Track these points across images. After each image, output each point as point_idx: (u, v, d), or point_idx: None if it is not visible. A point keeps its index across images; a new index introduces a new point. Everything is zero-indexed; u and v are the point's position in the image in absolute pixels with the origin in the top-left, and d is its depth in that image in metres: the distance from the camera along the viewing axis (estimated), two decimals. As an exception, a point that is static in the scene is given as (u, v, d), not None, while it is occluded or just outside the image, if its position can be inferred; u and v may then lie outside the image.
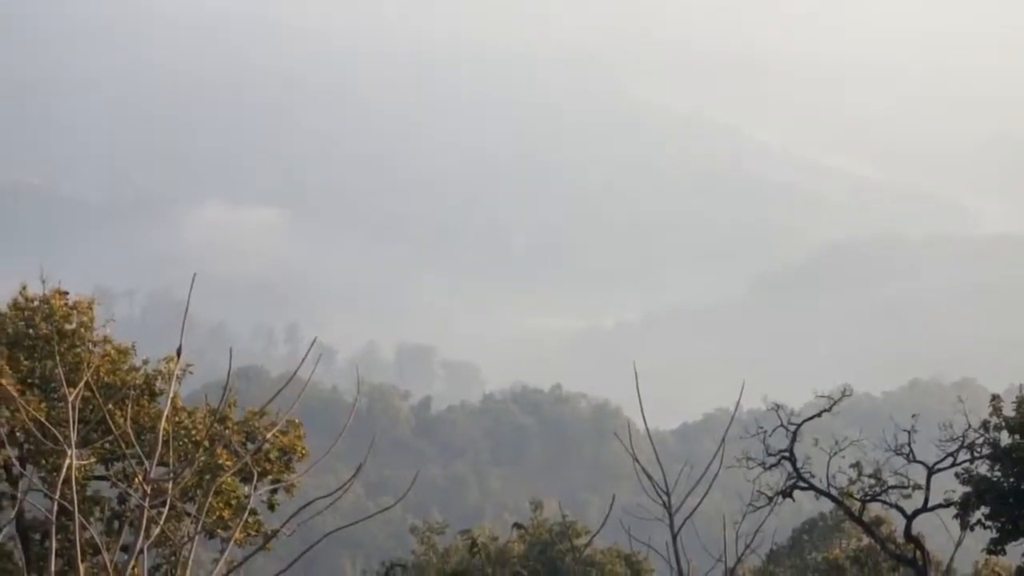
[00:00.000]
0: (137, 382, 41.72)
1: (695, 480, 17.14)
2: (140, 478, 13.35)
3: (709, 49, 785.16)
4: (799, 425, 48.88)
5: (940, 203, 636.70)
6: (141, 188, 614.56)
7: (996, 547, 48.26)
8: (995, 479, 47.63)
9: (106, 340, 42.92)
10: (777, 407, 49.05)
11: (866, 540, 59.20)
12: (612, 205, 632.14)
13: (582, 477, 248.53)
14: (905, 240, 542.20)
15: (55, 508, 13.69)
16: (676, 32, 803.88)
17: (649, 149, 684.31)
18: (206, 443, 39.09)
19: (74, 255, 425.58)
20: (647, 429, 18.33)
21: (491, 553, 59.58)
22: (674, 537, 17.67)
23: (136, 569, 13.25)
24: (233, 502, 41.42)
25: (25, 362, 41.67)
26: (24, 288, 43.22)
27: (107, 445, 36.16)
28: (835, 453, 47.97)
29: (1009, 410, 48.10)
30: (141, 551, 13.17)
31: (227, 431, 40.49)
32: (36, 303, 42.74)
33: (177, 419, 40.69)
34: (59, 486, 13.41)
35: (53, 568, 13.18)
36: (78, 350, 42.12)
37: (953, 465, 48.34)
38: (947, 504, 48.03)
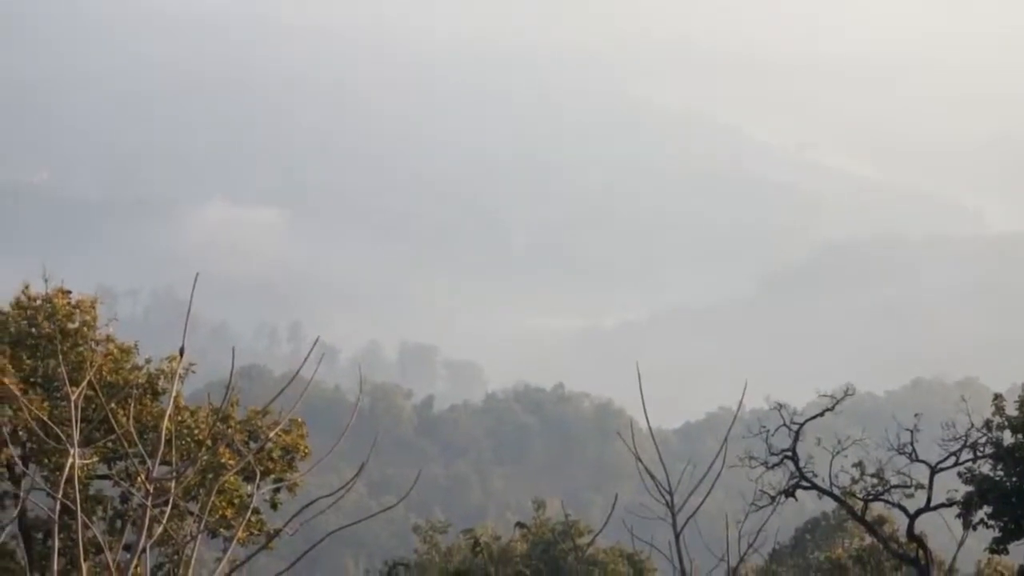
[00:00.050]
0: (140, 381, 41.74)
1: (698, 479, 17.14)
2: (143, 477, 13.35)
3: (709, 49, 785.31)
4: (802, 424, 48.86)
5: (941, 202, 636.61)
6: (144, 188, 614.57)
7: (998, 546, 48.27)
8: (998, 478, 47.62)
9: (109, 339, 42.95)
10: (780, 406, 49.04)
11: (869, 539, 59.20)
12: (613, 204, 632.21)
13: (585, 476, 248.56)
14: (906, 240, 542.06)
15: (58, 507, 13.69)
16: (676, 32, 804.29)
17: (649, 149, 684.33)
18: (209, 442, 39.11)
19: (77, 254, 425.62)
20: (650, 428, 18.32)
21: (493, 552, 59.57)
22: (677, 536, 17.66)
23: (139, 568, 13.24)
24: (236, 501, 41.45)
25: (28, 361, 41.70)
26: (27, 287, 43.26)
27: (110, 444, 36.17)
28: (838, 452, 47.93)
29: (1012, 409, 48.10)
30: (144, 550, 13.17)
31: (230, 430, 40.51)
32: (39, 302, 42.78)
33: (180, 418, 40.70)
34: (62, 485, 13.41)
35: (56, 567, 13.18)
36: (81, 349, 42.15)
37: (956, 464, 48.33)
38: (950, 503, 48.02)
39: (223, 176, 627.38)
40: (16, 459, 40.60)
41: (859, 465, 48.75)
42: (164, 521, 13.31)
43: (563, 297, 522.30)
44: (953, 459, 48.30)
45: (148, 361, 43.06)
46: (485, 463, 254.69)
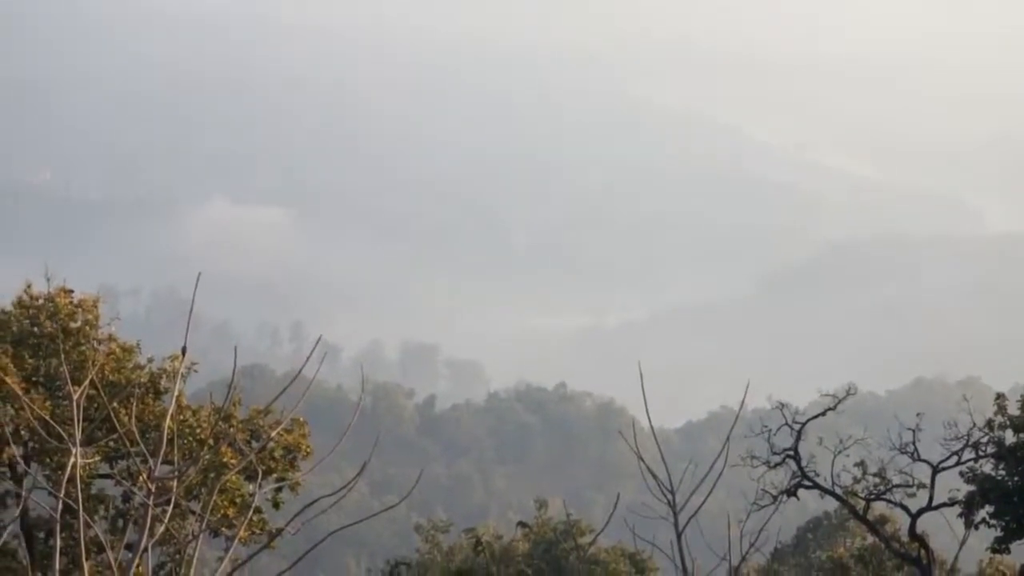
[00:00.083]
0: (142, 380, 41.76)
1: (699, 479, 17.14)
2: (144, 476, 13.35)
3: (710, 49, 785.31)
4: (803, 424, 48.85)
5: (942, 202, 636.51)
6: (145, 187, 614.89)
7: (1000, 546, 48.25)
8: (999, 478, 47.60)
9: (111, 338, 42.97)
10: (782, 406, 49.01)
11: (870, 539, 59.15)
12: (614, 204, 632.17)
13: (586, 476, 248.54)
14: (907, 239, 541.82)
15: (59, 506, 13.69)
16: (676, 32, 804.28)
17: (650, 149, 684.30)
18: (211, 441, 39.12)
19: (79, 253, 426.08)
20: (651, 427, 18.32)
21: (495, 552, 59.56)
22: (679, 536, 17.66)
23: (140, 567, 13.24)
24: (238, 500, 41.47)
25: (30, 360, 41.72)
26: (29, 286, 43.29)
27: (111, 443, 36.19)
28: (839, 452, 47.92)
29: (1014, 409, 48.08)
30: (145, 549, 13.17)
31: (231, 429, 40.50)
32: (41, 301, 42.80)
33: (182, 417, 40.72)
34: (63, 484, 13.41)
35: (57, 566, 13.19)
36: (83, 348, 42.18)
37: (958, 464, 48.31)
38: (951, 503, 48.01)
39: (224, 176, 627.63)
40: (18, 458, 40.60)
41: (861, 464, 48.75)
42: (166, 520, 13.32)
43: (564, 297, 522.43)
44: (955, 458, 48.29)
45: (150, 360, 43.08)
46: (487, 462, 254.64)
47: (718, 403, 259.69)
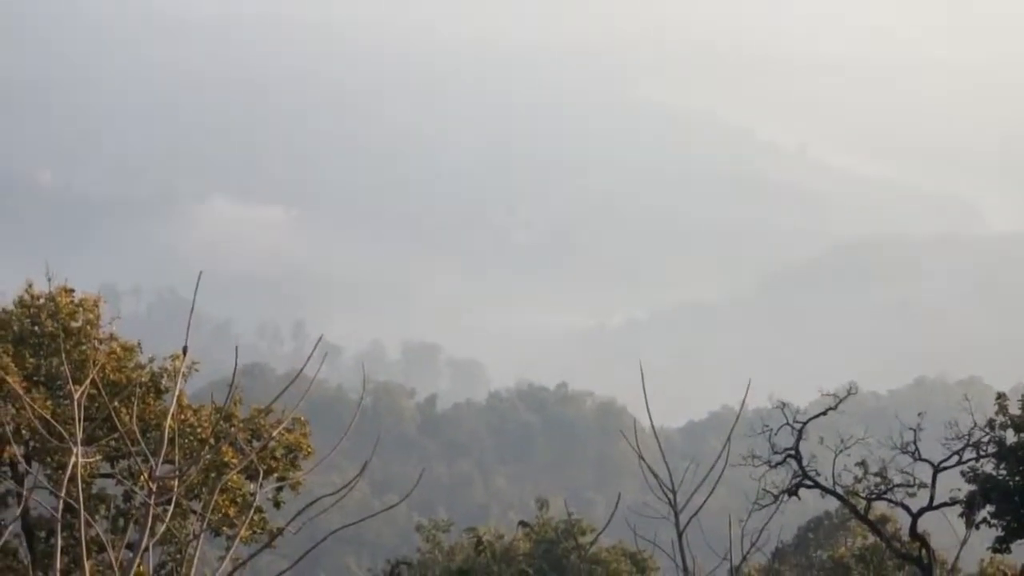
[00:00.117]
0: (143, 380, 41.76)
1: (701, 478, 17.14)
2: (145, 476, 13.36)
3: (713, 49, 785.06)
4: (805, 423, 48.83)
5: (944, 202, 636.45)
6: (147, 186, 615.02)
7: (1001, 545, 48.25)
8: (1000, 477, 47.59)
9: (112, 337, 42.97)
10: (783, 405, 48.99)
11: (871, 538, 59.16)
12: (617, 204, 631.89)
13: (588, 475, 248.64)
14: (913, 239, 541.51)
15: (60, 505, 13.70)
16: (686, 31, 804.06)
17: (657, 148, 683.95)
18: (212, 441, 39.15)
19: (80, 253, 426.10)
20: (652, 427, 18.33)
21: (496, 551, 59.56)
22: (680, 535, 17.67)
23: (141, 567, 13.25)
24: (239, 500, 41.48)
25: (31, 359, 41.72)
26: (30, 285, 43.28)
27: (112, 443, 36.19)
28: (841, 451, 47.91)
29: (1015, 408, 48.08)
30: (146, 549, 13.18)
31: (232, 429, 40.50)
32: (42, 300, 42.80)
33: (183, 417, 40.73)
34: (64, 483, 13.43)
35: (58, 565, 13.20)
36: (84, 347, 42.17)
37: (959, 463, 48.30)
38: (952, 502, 47.99)
39: (226, 174, 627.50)
40: (19, 457, 40.61)
41: (862, 464, 48.73)
42: (167, 520, 13.34)
43: (566, 296, 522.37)
44: (956, 458, 48.28)
45: (151, 360, 43.07)
46: (488, 462, 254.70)
47: (719, 403, 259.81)
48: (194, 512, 38.07)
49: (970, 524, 47.10)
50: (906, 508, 49.21)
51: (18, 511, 41.37)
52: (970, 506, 47.30)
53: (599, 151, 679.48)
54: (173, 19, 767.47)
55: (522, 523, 60.64)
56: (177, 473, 13.76)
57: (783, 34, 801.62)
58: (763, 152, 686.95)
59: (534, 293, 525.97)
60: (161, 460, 13.52)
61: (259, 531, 41.73)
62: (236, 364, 14.98)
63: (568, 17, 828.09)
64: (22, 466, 41.20)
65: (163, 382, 42.38)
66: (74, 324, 42.59)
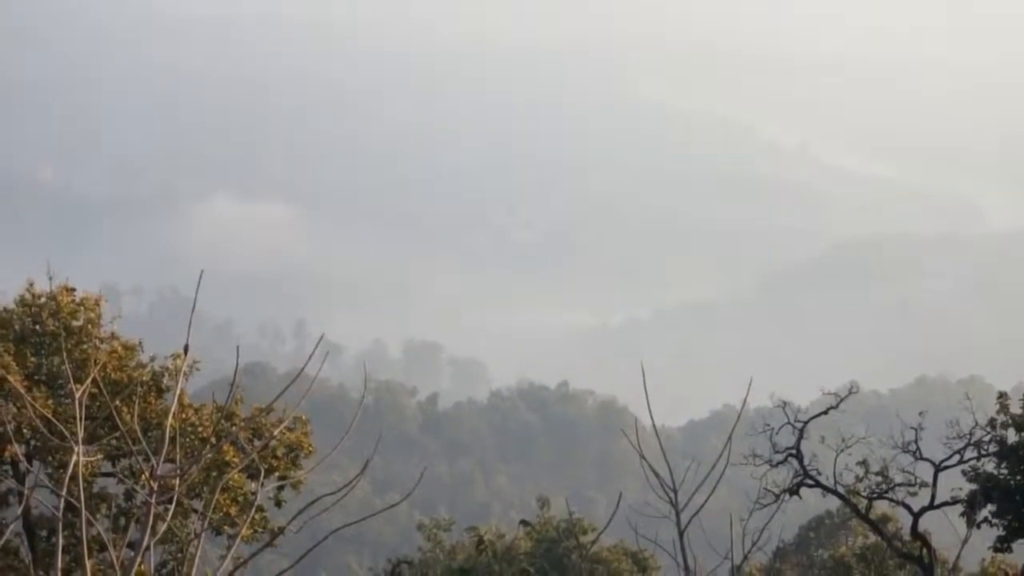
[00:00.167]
0: (144, 379, 41.76)
1: (702, 477, 17.14)
2: (147, 475, 13.36)
3: (716, 48, 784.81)
4: (806, 422, 48.82)
5: (945, 201, 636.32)
6: (148, 185, 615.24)
7: (1002, 545, 48.22)
8: (1002, 477, 47.56)
9: (113, 337, 42.98)
10: (784, 404, 48.97)
11: (872, 538, 59.17)
12: (619, 203, 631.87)
13: (589, 474, 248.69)
14: (915, 238, 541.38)
15: (62, 504, 13.70)
16: (686, 31, 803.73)
17: (657, 148, 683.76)
18: (213, 440, 39.15)
19: (81, 252, 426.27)
20: (654, 426, 18.34)
21: (498, 550, 59.54)
22: (681, 534, 17.66)
23: (143, 566, 13.25)
24: (240, 499, 41.48)
25: (32, 358, 41.72)
26: (31, 284, 43.28)
27: (114, 442, 36.19)
28: (842, 450, 47.90)
29: (1016, 407, 48.05)
30: (148, 548, 13.17)
31: (234, 428, 40.50)
32: (43, 299, 42.80)
33: (184, 416, 40.74)
34: (66, 482, 13.42)
35: (60, 564, 13.19)
36: (85, 347, 42.18)
37: (960, 463, 48.28)
38: (954, 502, 47.96)
39: (226, 174, 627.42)
40: (20, 456, 40.63)
41: (863, 463, 48.71)
42: (168, 519, 13.34)
43: (567, 295, 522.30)
44: (957, 457, 48.25)
45: (152, 359, 43.07)
46: (489, 461, 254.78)
47: (720, 402, 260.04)
48: (195, 511, 38.09)
49: (971, 523, 47.07)
50: (907, 507, 49.20)
51: (19, 510, 41.36)
52: (971, 505, 47.27)
53: (599, 151, 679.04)
54: (173, 19, 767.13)
55: (523, 522, 60.63)
56: (178, 472, 13.76)
57: (783, 34, 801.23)
58: (763, 152, 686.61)
59: (535, 292, 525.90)
60: (162, 459, 13.52)
61: (260, 530, 41.73)
62: (237, 363, 14.99)
63: (568, 17, 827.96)
64: (23, 465, 41.22)
65: (164, 381, 42.38)
66: (75, 323, 42.60)
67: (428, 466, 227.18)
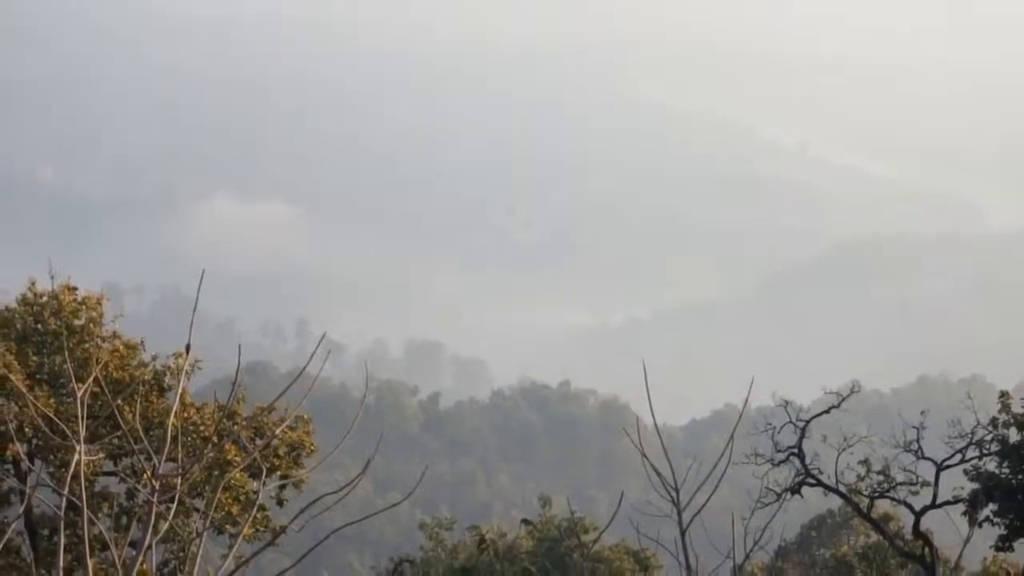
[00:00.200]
0: (146, 378, 41.77)
1: (704, 476, 17.14)
2: (149, 474, 13.35)
3: (716, 48, 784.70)
4: (808, 421, 48.84)
5: (946, 201, 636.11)
6: (149, 184, 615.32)
7: (1004, 544, 48.22)
8: (1003, 476, 47.56)
9: (115, 336, 42.99)
10: (786, 403, 48.98)
11: (874, 537, 59.18)
12: (620, 203, 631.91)
13: (590, 473, 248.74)
14: (915, 238, 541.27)
15: (63, 503, 13.70)
16: (686, 31, 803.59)
17: (657, 148, 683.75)
18: (214, 439, 39.15)
19: (82, 251, 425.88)
20: (656, 425, 18.33)
21: (499, 549, 59.55)
22: (683, 533, 17.65)
23: (144, 565, 13.24)
24: (242, 498, 41.49)
25: (34, 357, 41.74)
26: (33, 283, 43.30)
27: (116, 441, 36.21)
28: (843, 449, 47.91)
29: (1018, 407, 48.06)
30: (149, 547, 13.17)
31: (235, 427, 40.52)
32: (45, 299, 42.81)
33: (186, 415, 40.75)
34: (67, 481, 13.41)
35: (61, 563, 13.18)
36: (87, 346, 42.18)
37: (962, 462, 48.29)
38: (955, 501, 47.97)
39: (226, 174, 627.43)
40: (22, 455, 40.64)
41: (865, 462, 48.72)
42: (170, 518, 13.33)
43: (567, 295, 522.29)
44: (959, 456, 48.26)
45: (154, 358, 43.08)
46: (491, 460, 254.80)
47: (722, 401, 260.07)
48: (197, 510, 38.11)
49: (973, 522, 47.08)
50: (909, 506, 49.21)
51: (21, 509, 41.39)
52: (973, 504, 47.28)
53: (599, 151, 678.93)
54: (173, 19, 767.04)
55: (525, 521, 60.60)
56: (180, 471, 13.76)
57: (783, 34, 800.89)
58: (763, 152, 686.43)
59: (535, 292, 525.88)
60: (164, 458, 13.51)
61: (262, 529, 41.73)
62: (239, 362, 14.98)
63: (568, 17, 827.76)
64: (25, 464, 41.21)
65: (166, 380, 42.38)
66: (77, 322, 42.61)
67: (430, 465, 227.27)
